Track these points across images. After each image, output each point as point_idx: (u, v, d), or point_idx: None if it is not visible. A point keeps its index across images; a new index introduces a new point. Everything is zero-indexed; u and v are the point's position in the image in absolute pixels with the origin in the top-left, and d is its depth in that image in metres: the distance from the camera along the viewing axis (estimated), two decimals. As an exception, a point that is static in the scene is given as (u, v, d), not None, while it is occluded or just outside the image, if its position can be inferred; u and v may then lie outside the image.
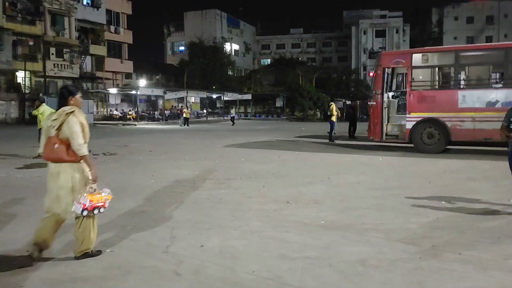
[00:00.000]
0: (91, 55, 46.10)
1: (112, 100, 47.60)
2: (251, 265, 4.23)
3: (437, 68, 14.62)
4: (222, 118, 50.66)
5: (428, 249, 4.71)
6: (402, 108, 14.49)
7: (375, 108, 14.44)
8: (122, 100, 49.38)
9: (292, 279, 3.91)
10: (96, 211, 4.29)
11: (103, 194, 4.37)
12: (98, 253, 4.44)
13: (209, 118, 49.10)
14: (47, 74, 39.98)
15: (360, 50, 72.70)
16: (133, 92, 42.17)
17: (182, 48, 72.77)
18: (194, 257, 4.47)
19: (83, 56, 44.35)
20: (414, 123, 13.74)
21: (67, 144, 4.17)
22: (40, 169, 9.81)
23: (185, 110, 36.00)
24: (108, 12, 48.32)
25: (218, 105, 59.37)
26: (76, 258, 4.32)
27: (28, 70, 38.78)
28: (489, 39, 65.46)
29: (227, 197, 7.45)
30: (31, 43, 39.85)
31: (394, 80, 15.40)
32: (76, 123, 4.21)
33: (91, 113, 36.28)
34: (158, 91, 44.23)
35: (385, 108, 14.34)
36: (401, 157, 12.90)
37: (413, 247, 4.76)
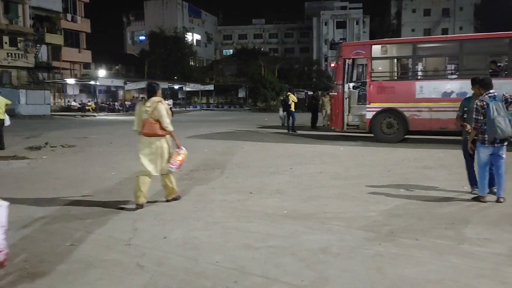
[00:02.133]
0: (47, 44, 44.47)
1: (70, 91, 46.20)
2: (215, 256, 4.24)
3: (395, 59, 14.95)
4: (184, 109, 50.20)
5: (386, 235, 4.85)
6: (362, 99, 14.76)
7: (336, 98, 14.65)
8: (80, 91, 48.01)
9: (255, 268, 3.95)
10: (181, 167, 6.35)
11: (182, 153, 6.19)
12: (179, 197, 6.47)
13: (174, 109, 48.47)
14: (0, 63, 38.41)
15: (321, 41, 73.50)
16: (92, 82, 41.08)
17: (142, 37, 71.43)
18: (157, 248, 4.45)
19: (38, 45, 42.72)
20: (374, 113, 14.03)
21: (159, 123, 5.94)
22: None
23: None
24: (64, -1, 46.77)
25: (180, 96, 58.72)
26: (168, 201, 6.33)
27: (-21, 60, 37.17)
28: (445, 31, 67.41)
29: (190, 188, 7.42)
30: (-18, 31, 38.19)
31: (355, 71, 15.64)
32: (163, 108, 6.03)
33: (47, 104, 35.12)
34: (118, 82, 43.24)
35: (346, 98, 14.56)
36: (362, 147, 13.16)
37: (372, 234, 4.89)
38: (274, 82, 50.43)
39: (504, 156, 6.31)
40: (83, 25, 49.80)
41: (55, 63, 45.68)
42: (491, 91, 6.29)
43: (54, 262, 4.07)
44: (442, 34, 59.78)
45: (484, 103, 6.18)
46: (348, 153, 11.91)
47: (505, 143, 6.27)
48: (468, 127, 6.55)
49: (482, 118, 6.18)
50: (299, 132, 18.28)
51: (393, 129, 13.93)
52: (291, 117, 18.78)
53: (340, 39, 68.53)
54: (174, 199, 6.38)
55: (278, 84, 50.40)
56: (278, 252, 4.34)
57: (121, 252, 4.35)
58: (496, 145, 6.20)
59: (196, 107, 53.94)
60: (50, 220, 5.47)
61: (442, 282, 3.63)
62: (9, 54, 39.49)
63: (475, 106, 6.29)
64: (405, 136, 14.21)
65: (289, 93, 20.07)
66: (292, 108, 19.04)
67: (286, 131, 18.72)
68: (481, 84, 6.43)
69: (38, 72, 42.92)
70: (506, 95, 6.33)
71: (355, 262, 4.09)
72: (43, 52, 44.29)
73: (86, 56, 50.70)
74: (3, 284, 3.63)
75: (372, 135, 14.36)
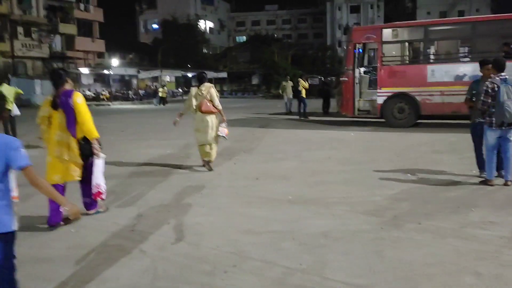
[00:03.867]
0: (61, 34, 44.85)
1: (84, 81, 46.55)
2: (216, 241, 4.29)
3: (406, 43, 14.74)
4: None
5: (390, 219, 4.85)
6: (373, 84, 14.60)
7: (347, 83, 14.52)
8: (95, 80, 48.34)
9: (255, 252, 3.99)
10: (227, 136, 7.97)
11: (226, 128, 7.90)
12: (210, 168, 7.72)
13: (184, 97, 48.65)
14: (15, 54, 38.82)
15: (335, 26, 72.56)
16: (106, 72, 41.40)
17: (155, 26, 71.40)
18: (160, 234, 4.51)
19: (52, 35, 43.12)
20: (385, 98, 13.88)
21: (212, 103, 7.53)
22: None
23: (160, 89, 35.55)
24: (77, -11, 46.96)
25: (193, 83, 58.79)
26: (208, 162, 7.71)
27: (-5, 51, 37.63)
28: (461, 13, 65.99)
29: (197, 174, 7.48)
30: (-3, 22, 38.64)
31: (366, 56, 15.49)
32: (215, 92, 7.69)
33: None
34: (131, 71, 43.49)
35: (356, 83, 14.42)
36: (372, 132, 13.08)
37: (375, 219, 4.88)
38: (287, 68, 50.09)
39: (512, 139, 6.22)
40: (96, 14, 50.05)
41: (69, 53, 46.05)
42: (502, 73, 6.17)
43: (58, 248, 4.17)
44: (458, 16, 58.69)
45: (495, 85, 6.07)
46: (358, 139, 11.85)
47: (513, 126, 6.17)
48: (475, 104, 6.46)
49: (490, 100, 6.08)
50: (310, 118, 18.22)
51: (404, 113, 13.78)
52: (302, 103, 18.70)
53: (354, 23, 67.73)
54: (209, 164, 7.71)
55: (292, 70, 50.05)
56: (279, 237, 4.37)
57: (124, 238, 4.43)
58: (504, 128, 6.10)
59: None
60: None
61: (440, 265, 3.63)
62: (24, 45, 39.92)
63: (484, 88, 6.19)
64: (417, 121, 14.07)
65: (299, 78, 19.94)
66: (303, 94, 18.94)
67: (297, 117, 18.67)
68: (495, 65, 6.29)
69: (53, 62, 43.32)
70: None
71: (355, 246, 4.10)
72: (57, 42, 44.71)
73: (99, 45, 51.01)
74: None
75: (383, 120, 14.23)
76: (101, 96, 41.16)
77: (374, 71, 14.69)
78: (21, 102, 13.73)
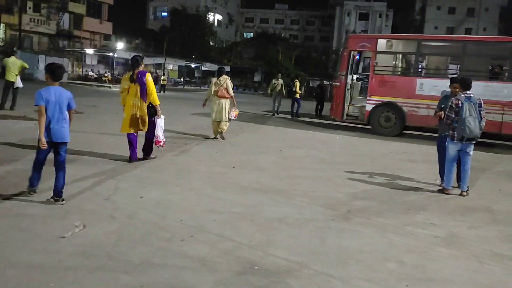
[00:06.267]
0: (70, 12, 45.26)
1: (88, 61, 46.98)
2: (181, 215, 4.75)
3: (399, 55, 15.21)
4: (199, 87, 50.71)
5: (343, 213, 5.32)
6: (364, 91, 15.08)
7: (339, 88, 15.00)
8: (98, 62, 48.74)
9: (213, 228, 4.46)
10: (236, 118, 10.65)
11: (236, 111, 10.49)
12: (223, 138, 10.48)
13: (186, 87, 49.09)
14: (22, 28, 39.22)
15: (342, 31, 72.89)
16: (110, 54, 41.77)
17: (164, 13, 71.70)
18: (131, 205, 4.97)
19: (61, 13, 43.54)
20: (373, 106, 14.36)
21: (226, 90, 10.10)
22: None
23: (162, 77, 35.97)
24: (89, -31, 47.34)
25: (196, 74, 59.19)
26: (215, 138, 10.44)
27: (3, 23, 37.99)
28: (468, 31, 66.56)
29: (179, 159, 7.94)
30: (8, -6, 39.01)
31: (361, 63, 15.95)
32: (229, 83, 10.25)
33: (65, 71, 35.90)
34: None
35: (348, 89, 14.89)
36: (357, 137, 13.55)
37: (330, 211, 5.35)
38: (290, 68, 50.55)
39: (471, 153, 6.70)
40: (106, -4, 50.40)
41: (76, 32, 46.50)
42: (468, 91, 6.65)
43: (38, 207, 4.63)
44: (465, 34, 59.12)
45: (459, 102, 6.56)
46: (342, 142, 12.32)
47: (473, 142, 6.65)
48: (442, 115, 6.91)
49: (454, 115, 6.56)
50: (302, 119, 18.68)
51: (390, 123, 14.26)
52: (296, 103, 19.19)
53: (362, 31, 68.20)
54: (221, 134, 10.41)
55: (294, 71, 50.52)
56: (239, 218, 4.84)
57: (99, 205, 4.89)
58: (464, 142, 6.58)
59: (211, 87, 54.33)
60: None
61: (372, 253, 4.10)
62: (32, 20, 40.32)
63: (450, 103, 6.68)
64: (404, 131, 14.55)
65: (296, 80, 20.42)
66: (298, 95, 19.43)
67: (289, 116, 19.14)
68: (462, 83, 6.78)
69: (59, 40, 43.72)
70: (481, 100, 6.67)
71: (304, 232, 4.57)
72: (65, 20, 45.12)
73: (107, 27, 51.41)
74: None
75: (370, 127, 14.70)
76: (103, 78, 41.58)
77: (366, 79, 15.17)
78: (24, 75, 14.13)
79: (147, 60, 43.22)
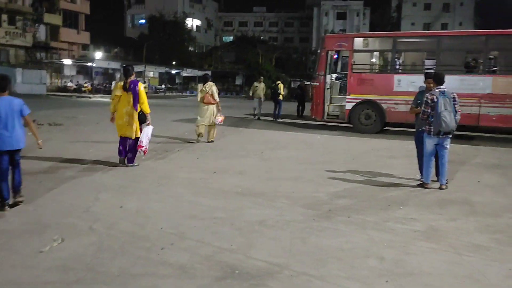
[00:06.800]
0: (46, 24, 44.66)
1: (67, 72, 46.35)
2: (161, 223, 4.73)
3: (376, 53, 15.37)
4: (180, 93, 50.56)
5: (324, 213, 5.35)
6: (343, 90, 15.18)
7: (318, 88, 15.09)
8: (78, 72, 48.15)
9: (194, 234, 4.45)
10: (222, 123, 11.22)
11: (221, 116, 11.06)
12: (212, 141, 10.94)
13: (167, 94, 48.85)
14: (-2, 41, 38.67)
15: (321, 32, 73.25)
16: (89, 64, 41.36)
17: (142, 21, 71.29)
18: (111, 215, 4.93)
19: (37, 25, 42.96)
20: (353, 104, 14.47)
21: (212, 97, 10.64)
22: None
23: (144, 85, 35.82)
24: (64, -21, 46.82)
25: (177, 80, 58.96)
26: (208, 142, 10.82)
27: (-23, 37, 37.39)
28: (444, 26, 67.45)
29: (160, 166, 7.91)
30: (-19, 9, 38.38)
31: (339, 62, 16.07)
32: (215, 89, 10.75)
33: (43, 83, 35.52)
34: (115, 64, 43.48)
35: (327, 89, 14.99)
36: (338, 136, 13.65)
37: (311, 211, 5.38)
38: (270, 70, 50.69)
39: (448, 147, 6.80)
40: (82, 6, 49.94)
41: (53, 44, 45.89)
42: (441, 86, 6.75)
43: (15, 222, 4.57)
44: (441, 29, 59.95)
45: (434, 97, 6.65)
46: (323, 141, 12.39)
47: (450, 136, 6.75)
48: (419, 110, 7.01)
49: (430, 110, 6.65)
50: (284, 120, 18.74)
51: (370, 120, 14.39)
52: (278, 106, 19.23)
53: (340, 30, 68.67)
54: (212, 141, 10.86)
55: (275, 73, 50.66)
56: (219, 222, 4.84)
57: (78, 217, 4.84)
58: (441, 136, 6.67)
59: (192, 93, 54.10)
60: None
61: (352, 250, 4.14)
62: (7, 33, 39.69)
63: (425, 98, 6.77)
64: (385, 128, 14.69)
65: (278, 81, 20.47)
66: (281, 97, 19.49)
67: (272, 118, 19.17)
68: (435, 78, 6.89)
69: (36, 52, 43.15)
70: (455, 94, 6.78)
71: (285, 233, 4.59)
72: (42, 32, 44.51)
73: (84, 37, 50.91)
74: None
75: (351, 125, 14.81)
76: (83, 88, 41.13)
77: (345, 78, 15.29)
78: None
79: (127, 69, 42.90)
